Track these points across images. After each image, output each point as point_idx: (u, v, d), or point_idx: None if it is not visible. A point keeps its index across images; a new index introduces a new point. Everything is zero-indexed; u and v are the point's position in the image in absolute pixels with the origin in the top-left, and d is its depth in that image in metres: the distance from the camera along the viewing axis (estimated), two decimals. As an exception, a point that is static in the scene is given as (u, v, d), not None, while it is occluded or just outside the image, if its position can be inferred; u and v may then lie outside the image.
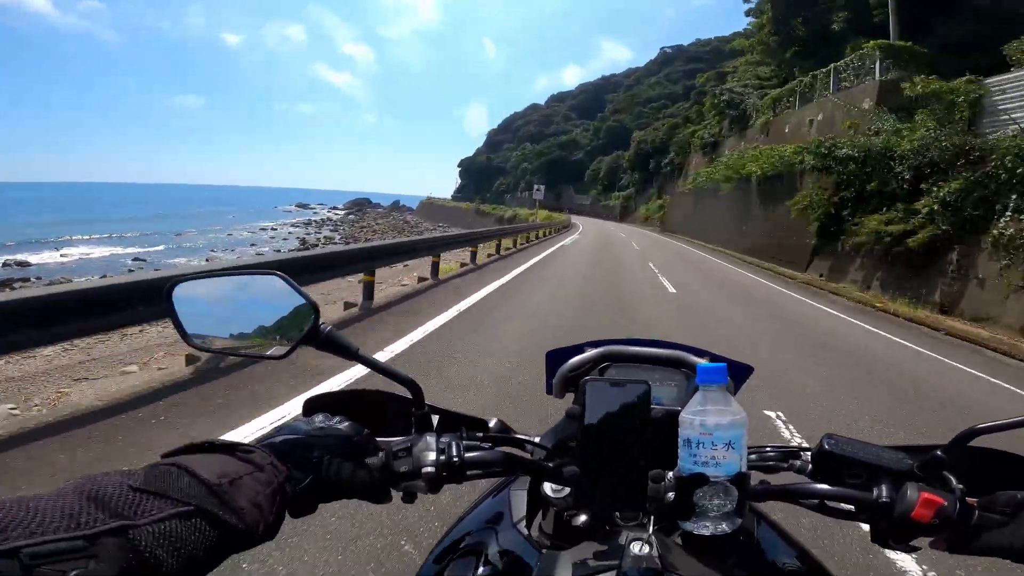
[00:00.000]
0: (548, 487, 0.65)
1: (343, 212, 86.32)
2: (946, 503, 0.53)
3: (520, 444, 0.67)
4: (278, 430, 0.53)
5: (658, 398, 0.67)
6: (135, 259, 25.99)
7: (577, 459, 0.61)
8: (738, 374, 0.79)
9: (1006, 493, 0.54)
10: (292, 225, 55.31)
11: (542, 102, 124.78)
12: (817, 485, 0.59)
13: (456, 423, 0.66)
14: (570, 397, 0.74)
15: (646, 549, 0.57)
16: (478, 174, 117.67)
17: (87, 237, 37.84)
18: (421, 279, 9.06)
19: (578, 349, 0.80)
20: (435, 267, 9.50)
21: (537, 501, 0.73)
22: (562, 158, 78.06)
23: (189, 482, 0.39)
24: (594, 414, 0.61)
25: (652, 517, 0.61)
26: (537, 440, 0.66)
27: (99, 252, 30.12)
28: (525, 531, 0.70)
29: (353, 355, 0.60)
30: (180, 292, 0.64)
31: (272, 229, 50.47)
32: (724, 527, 0.54)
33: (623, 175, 59.83)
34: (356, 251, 7.27)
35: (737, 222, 21.76)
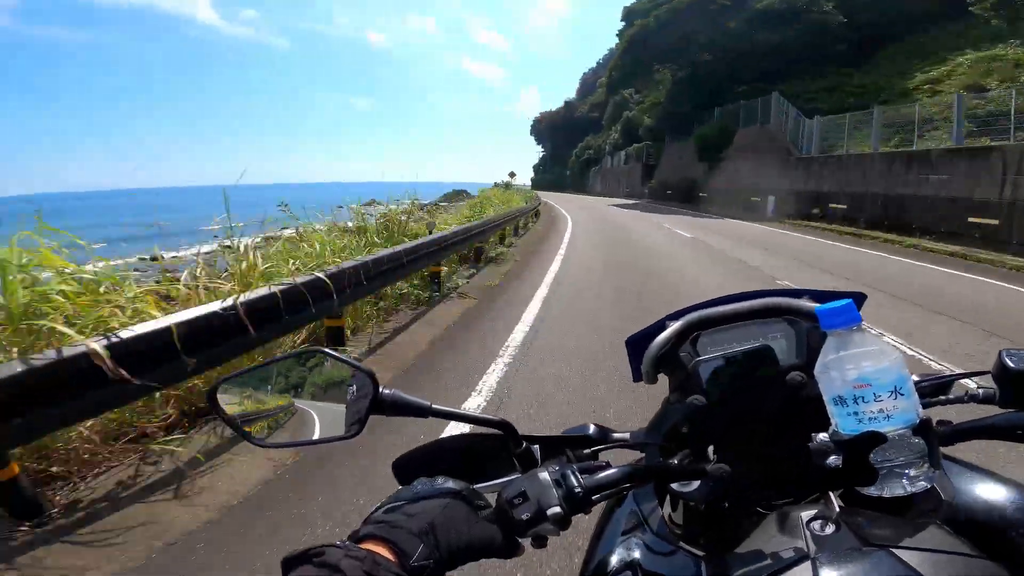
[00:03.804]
0: (676, 483, 0.59)
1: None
2: None
3: (627, 446, 0.63)
4: (381, 505, 0.51)
5: None
6: None
7: (699, 448, 0.57)
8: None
9: None
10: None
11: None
12: None
13: (558, 446, 0.62)
14: (663, 382, 0.67)
15: (831, 528, 0.49)
16: (557, 137, 76.32)
17: None
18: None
19: (659, 327, 0.69)
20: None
21: (662, 495, 0.67)
22: (734, 39, 26.38)
23: None
24: (718, 396, 0.56)
25: (830, 491, 0.54)
26: (642, 436, 0.61)
27: None
28: (673, 535, 0.63)
29: (427, 411, 0.57)
30: (225, 394, 0.62)
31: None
32: (922, 483, 0.48)
33: None
34: None
35: None
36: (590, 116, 65.26)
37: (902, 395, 0.47)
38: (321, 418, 0.62)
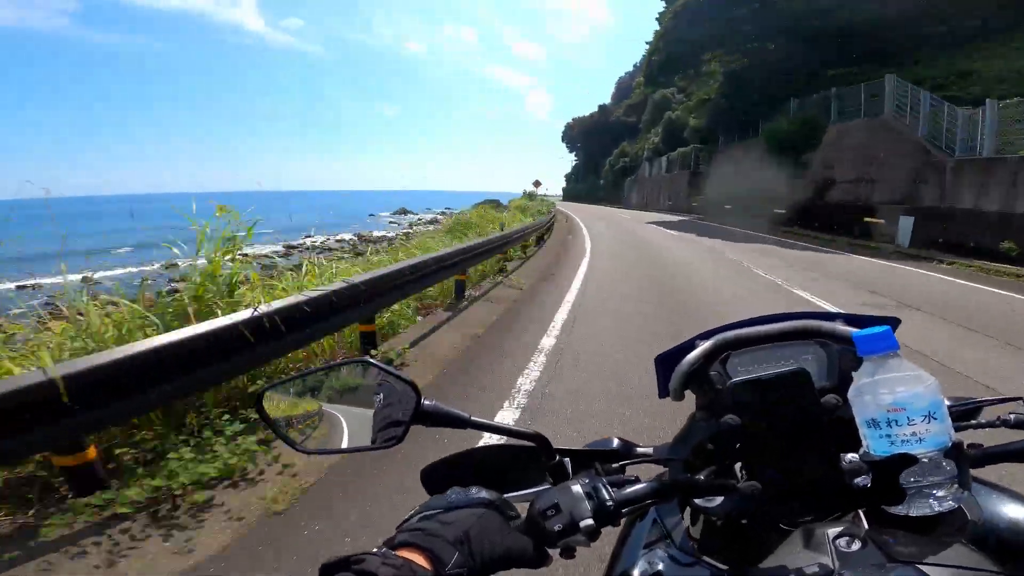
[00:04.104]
0: (699, 499, 0.60)
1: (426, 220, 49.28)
2: None
3: (654, 461, 0.65)
4: (415, 513, 0.53)
5: None
6: None
7: (725, 465, 0.58)
8: None
9: None
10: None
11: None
12: None
13: (587, 460, 0.63)
14: (688, 399, 0.68)
15: (857, 545, 0.51)
16: (591, 144, 70.95)
17: None
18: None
19: (689, 346, 0.70)
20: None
21: (683, 509, 0.68)
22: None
23: None
24: (751, 416, 0.56)
25: (859, 509, 0.57)
26: (666, 451, 0.64)
27: None
28: (695, 548, 0.63)
29: (467, 423, 0.59)
30: (270, 400, 0.65)
31: None
32: (949, 503, 0.49)
33: None
34: None
35: None
36: (626, 120, 59.65)
37: (935, 419, 0.48)
38: (349, 425, 0.64)
